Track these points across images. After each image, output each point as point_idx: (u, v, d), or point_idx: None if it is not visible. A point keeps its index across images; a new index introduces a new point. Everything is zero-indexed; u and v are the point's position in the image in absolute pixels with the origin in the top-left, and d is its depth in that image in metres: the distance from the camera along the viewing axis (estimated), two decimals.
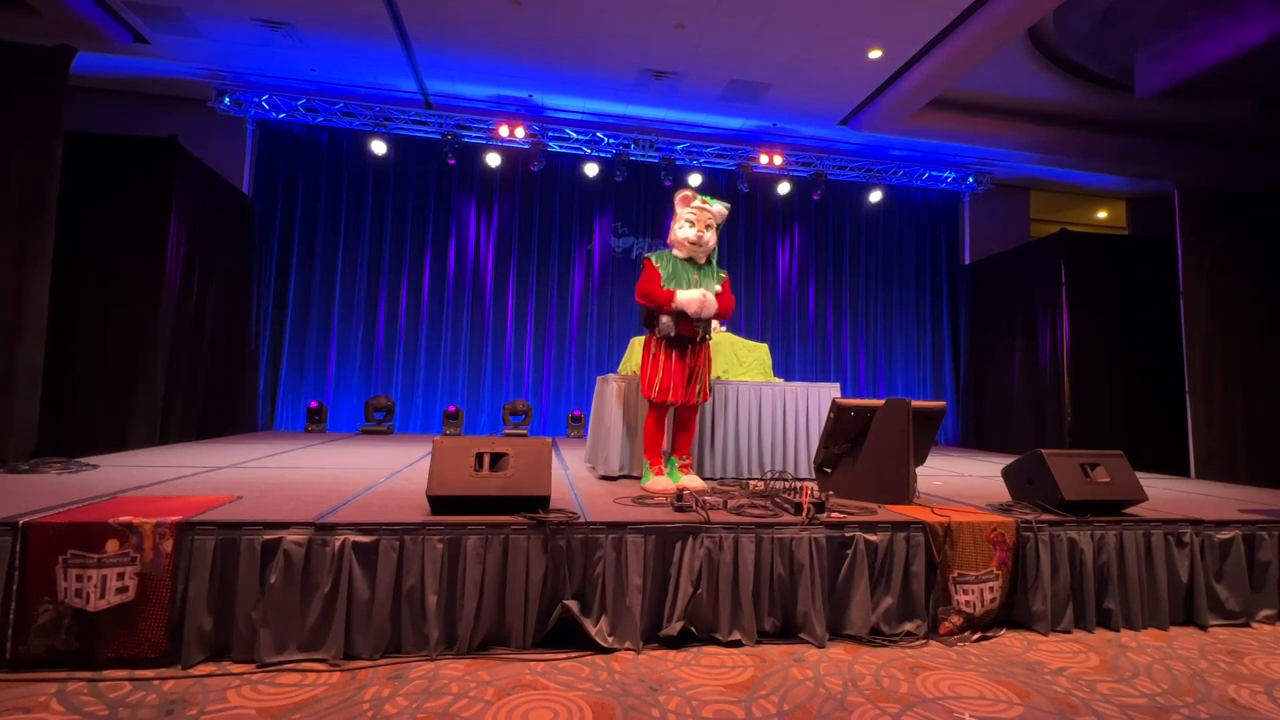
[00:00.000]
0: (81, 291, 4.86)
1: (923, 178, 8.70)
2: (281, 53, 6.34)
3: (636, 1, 5.34)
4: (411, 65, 6.52)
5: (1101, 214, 9.86)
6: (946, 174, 8.66)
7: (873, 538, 2.69)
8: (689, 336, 3.56)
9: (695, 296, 3.45)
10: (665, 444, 3.79)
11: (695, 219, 3.58)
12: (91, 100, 6.82)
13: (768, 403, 4.42)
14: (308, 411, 7.06)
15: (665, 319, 3.52)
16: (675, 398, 3.54)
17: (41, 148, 4.16)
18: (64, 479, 3.21)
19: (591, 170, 7.87)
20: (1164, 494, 4.03)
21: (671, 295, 3.46)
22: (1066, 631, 2.76)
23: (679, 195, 3.64)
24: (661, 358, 3.55)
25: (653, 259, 3.60)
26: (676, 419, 3.76)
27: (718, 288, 3.63)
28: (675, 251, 3.63)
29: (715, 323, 4.86)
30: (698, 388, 3.61)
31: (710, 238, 3.60)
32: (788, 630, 2.59)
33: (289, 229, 7.45)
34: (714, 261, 3.71)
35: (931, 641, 2.60)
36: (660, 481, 3.48)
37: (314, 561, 2.29)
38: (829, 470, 3.46)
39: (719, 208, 3.66)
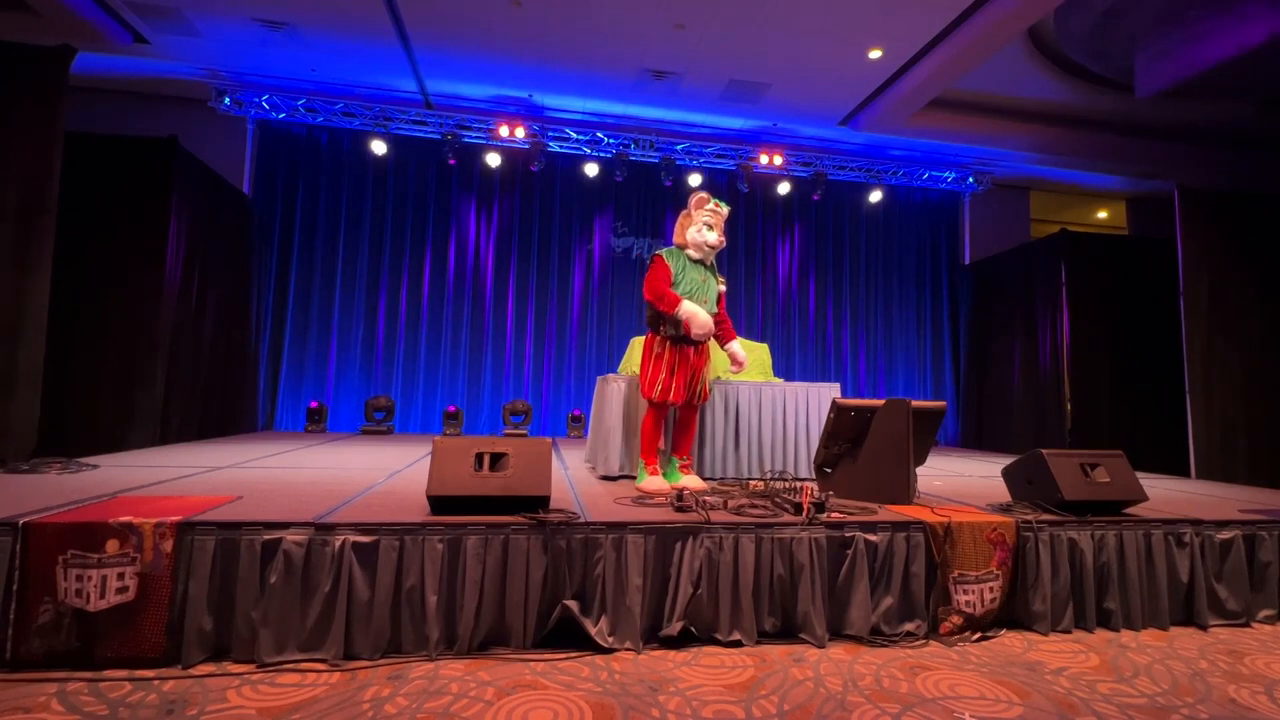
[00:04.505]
0: (81, 292, 4.86)
1: (923, 178, 8.70)
2: (281, 53, 6.34)
3: (636, 1, 5.34)
4: (411, 65, 6.52)
5: (1101, 214, 9.86)
6: (946, 174, 8.66)
7: (873, 538, 2.69)
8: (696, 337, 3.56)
9: (704, 319, 3.44)
10: (663, 443, 3.79)
11: (714, 222, 3.60)
12: (91, 100, 6.82)
13: (768, 403, 4.42)
14: (308, 411, 7.06)
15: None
16: (676, 398, 3.53)
17: (41, 148, 4.16)
18: (64, 479, 3.21)
19: (591, 170, 7.87)
20: (1164, 494, 4.03)
21: (678, 301, 3.45)
22: (1066, 631, 2.76)
23: (695, 197, 3.63)
24: (666, 357, 3.53)
25: (664, 256, 3.57)
26: (677, 419, 3.75)
27: (721, 288, 3.71)
28: (690, 252, 3.62)
29: None
30: (699, 388, 3.60)
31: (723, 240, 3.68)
32: (788, 630, 2.59)
33: (289, 229, 7.46)
34: (715, 263, 3.74)
35: (931, 641, 2.60)
36: (655, 482, 3.47)
37: (314, 561, 2.29)
38: (829, 470, 3.46)
39: (725, 210, 3.70)
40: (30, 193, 4.10)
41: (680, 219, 3.69)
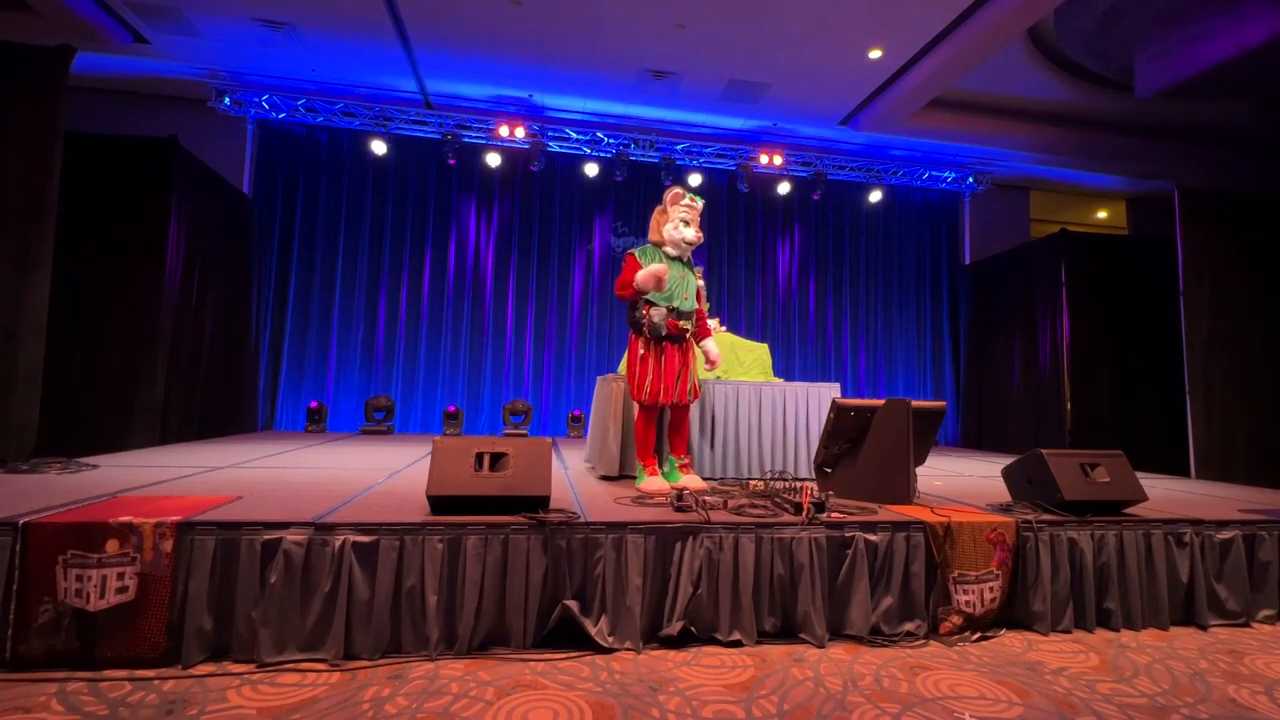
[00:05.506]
0: (82, 292, 4.86)
1: (923, 178, 8.70)
2: (281, 53, 6.34)
3: (636, 1, 5.34)
4: (411, 65, 6.52)
5: (1101, 214, 9.85)
6: (946, 174, 8.66)
7: (873, 538, 2.69)
8: (678, 335, 3.56)
9: (658, 267, 3.42)
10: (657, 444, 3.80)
11: (691, 218, 3.60)
12: (91, 100, 6.82)
13: (768, 403, 4.42)
14: (308, 411, 7.06)
15: (657, 317, 3.51)
16: (666, 398, 3.53)
17: (41, 148, 4.16)
18: (64, 479, 3.21)
19: (591, 170, 7.87)
20: (1164, 494, 4.03)
21: (633, 277, 3.45)
22: (1066, 631, 2.76)
23: (670, 192, 3.64)
24: (650, 359, 3.54)
25: (637, 255, 3.58)
26: (670, 419, 3.75)
27: (699, 282, 3.74)
28: (668, 249, 3.62)
29: (714, 321, 4.88)
30: (688, 386, 3.60)
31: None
32: (788, 630, 2.59)
33: (289, 229, 7.46)
34: (690, 258, 3.75)
35: (931, 641, 2.60)
36: (654, 483, 3.48)
37: (314, 561, 2.29)
38: (829, 470, 3.46)
39: (700, 204, 3.70)
40: (30, 193, 4.10)
41: (655, 215, 3.68)
